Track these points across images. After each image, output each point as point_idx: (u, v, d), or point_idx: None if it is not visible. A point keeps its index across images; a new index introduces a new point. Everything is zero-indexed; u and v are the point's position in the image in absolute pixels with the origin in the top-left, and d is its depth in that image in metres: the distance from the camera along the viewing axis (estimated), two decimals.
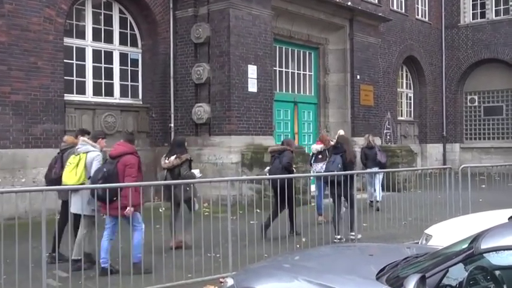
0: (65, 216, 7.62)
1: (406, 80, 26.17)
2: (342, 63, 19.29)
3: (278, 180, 8.57)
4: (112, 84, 15.21)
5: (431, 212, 9.98)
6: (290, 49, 18.42)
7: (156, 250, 7.02)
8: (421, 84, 26.37)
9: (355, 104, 19.24)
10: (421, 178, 15.34)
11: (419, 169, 14.46)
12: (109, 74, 15.14)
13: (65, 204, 7.38)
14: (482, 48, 26.26)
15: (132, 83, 15.71)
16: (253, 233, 8.29)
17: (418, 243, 7.18)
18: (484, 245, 3.57)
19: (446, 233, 6.35)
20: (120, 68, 15.37)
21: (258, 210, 10.95)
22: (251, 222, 9.00)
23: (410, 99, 26.38)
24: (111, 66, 15.19)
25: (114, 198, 6.83)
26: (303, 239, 8.90)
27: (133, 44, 15.76)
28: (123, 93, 15.48)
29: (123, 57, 15.50)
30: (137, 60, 15.84)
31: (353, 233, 9.16)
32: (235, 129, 14.80)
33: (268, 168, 10.34)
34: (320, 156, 11.96)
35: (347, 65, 19.23)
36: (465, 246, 3.80)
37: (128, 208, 7.02)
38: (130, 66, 15.67)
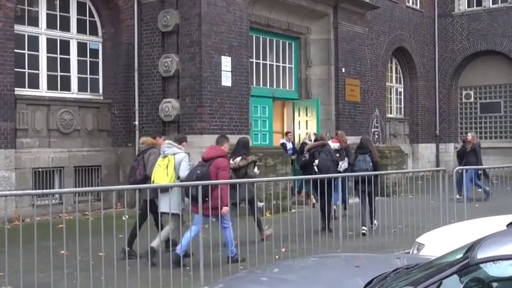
0: (145, 214, 8.69)
1: (396, 73, 26.38)
2: (326, 54, 19.37)
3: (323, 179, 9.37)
4: (69, 77, 15.07)
5: (423, 219, 10.07)
6: (268, 39, 18.44)
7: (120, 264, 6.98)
8: (412, 78, 26.61)
9: (340, 99, 19.34)
10: (412, 181, 15.43)
11: (410, 172, 14.58)
12: (65, 65, 15.00)
13: (148, 203, 8.31)
14: (479, 39, 26.58)
15: (91, 76, 15.59)
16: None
17: (409, 253, 7.23)
18: (481, 254, 3.61)
19: (439, 242, 6.41)
20: (78, 59, 15.24)
21: (234, 218, 10.94)
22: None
23: (400, 95, 26.60)
24: (67, 57, 15.06)
25: (206, 199, 7.83)
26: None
27: (93, 32, 15.64)
28: (82, 87, 15.35)
29: (82, 47, 15.37)
30: (97, 50, 15.72)
31: (375, 222, 11.05)
32: (207, 127, 14.77)
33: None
34: (338, 155, 12.70)
35: (331, 56, 19.32)
36: (460, 256, 3.83)
37: (224, 208, 8.19)
38: (90, 57, 15.55)
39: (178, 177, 8.96)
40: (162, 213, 8.13)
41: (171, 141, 9.31)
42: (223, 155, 9.04)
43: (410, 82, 26.65)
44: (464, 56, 27.08)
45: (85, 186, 14.42)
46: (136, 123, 15.55)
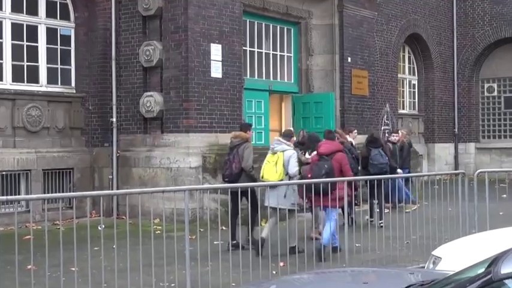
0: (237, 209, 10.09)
1: (409, 63, 26.41)
2: (329, 42, 19.38)
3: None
4: (37, 67, 15.04)
5: (440, 229, 10.08)
6: (264, 24, 18.44)
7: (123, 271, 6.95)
8: (427, 69, 26.64)
9: (346, 93, 19.36)
10: (427, 186, 15.43)
11: (425, 175, 14.56)
12: (33, 54, 14.97)
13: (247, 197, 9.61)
14: (503, 24, 26.64)
15: (62, 66, 15.56)
16: (217, 256, 8.28)
17: (424, 267, 7.24)
18: (505, 269, 3.61)
19: (458, 255, 6.42)
20: (47, 47, 15.21)
21: (224, 228, 10.93)
22: (215, 242, 8.97)
23: (414, 88, 26.63)
24: (35, 44, 15.03)
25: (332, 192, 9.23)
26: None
27: (64, 16, 15.62)
28: (52, 79, 15.32)
29: (51, 33, 15.34)
30: (69, 37, 15.70)
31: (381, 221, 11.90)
32: (194, 124, 14.76)
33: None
34: None
35: (335, 44, 19.33)
36: (482, 270, 3.84)
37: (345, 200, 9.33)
38: (61, 45, 15.53)
39: (286, 174, 10.51)
40: (267, 207, 9.79)
41: (280, 138, 10.99)
42: (341, 149, 10.93)
43: (426, 73, 26.68)
44: (487, 44, 27.12)
45: (55, 192, 14.40)
46: (114, 120, 15.53)
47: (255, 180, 11.04)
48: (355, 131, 16.01)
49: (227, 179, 11.22)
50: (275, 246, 8.48)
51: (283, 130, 18.55)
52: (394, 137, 16.42)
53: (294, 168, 10.56)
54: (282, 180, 10.45)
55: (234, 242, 10.22)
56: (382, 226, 11.47)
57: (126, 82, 15.65)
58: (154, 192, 8.64)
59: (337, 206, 9.52)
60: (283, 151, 10.63)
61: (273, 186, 9.84)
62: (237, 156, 11.16)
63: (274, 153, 10.70)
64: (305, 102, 19.33)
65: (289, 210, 9.99)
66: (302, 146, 12.64)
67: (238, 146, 11.26)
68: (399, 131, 17.28)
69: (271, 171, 10.59)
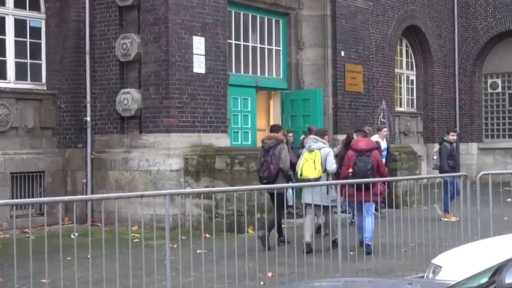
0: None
1: (407, 58, 26.50)
2: (321, 34, 19.40)
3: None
4: (4, 62, 14.98)
5: (441, 236, 10.11)
6: (251, 15, 18.44)
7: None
8: (426, 63, 26.74)
9: (339, 89, 19.39)
10: (426, 190, 15.49)
11: (424, 177, 14.62)
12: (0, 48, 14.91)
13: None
14: (507, 15, 26.77)
15: (32, 61, 15.51)
16: (200, 266, 8.27)
17: (423, 277, 7.26)
18: (510, 278, 3.63)
19: (460, 264, 6.44)
20: (15, 40, 15.15)
21: (208, 235, 10.93)
22: (198, 251, 8.96)
23: (412, 84, 26.72)
24: (2, 37, 14.97)
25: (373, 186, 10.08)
26: None
27: (34, 7, 15.56)
28: (20, 75, 15.26)
29: (20, 25, 15.28)
30: (39, 29, 15.64)
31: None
32: (175, 124, 14.75)
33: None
34: None
35: (327, 37, 19.35)
36: (485, 280, 3.85)
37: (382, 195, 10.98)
38: (30, 38, 15.47)
39: (324, 171, 11.63)
40: (306, 204, 10.62)
41: (315, 137, 12.05)
42: (376, 147, 12.35)
43: (424, 68, 26.78)
44: (490, 37, 27.25)
45: (24, 197, 14.33)
46: (88, 119, 15.49)
47: (290, 181, 12.11)
48: (385, 128, 16.24)
49: (265, 181, 12.13)
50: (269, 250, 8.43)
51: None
52: (452, 136, 16.56)
53: (333, 165, 11.75)
54: (320, 177, 11.58)
55: (282, 237, 11.27)
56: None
57: (101, 78, 15.61)
58: (132, 197, 8.62)
59: (377, 200, 10.57)
60: (319, 149, 11.76)
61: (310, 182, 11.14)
62: (274, 158, 12.15)
63: (311, 151, 11.74)
64: (293, 100, 19.35)
65: (327, 206, 10.95)
66: None
67: (273, 147, 12.25)
68: (454, 132, 17.51)
69: (310, 168, 11.59)
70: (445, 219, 11.71)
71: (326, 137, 12.52)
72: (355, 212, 11.70)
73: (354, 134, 13.36)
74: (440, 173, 14.05)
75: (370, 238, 11.05)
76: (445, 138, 16.55)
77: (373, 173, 11.52)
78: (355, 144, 12.10)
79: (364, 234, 10.75)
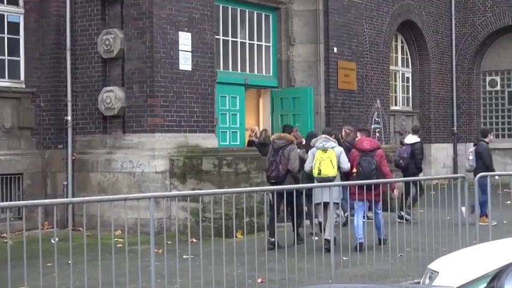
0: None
1: (402, 54, 26.55)
2: (313, 30, 19.43)
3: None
4: None
5: (438, 240, 10.13)
6: (239, 10, 18.44)
7: None
8: (422, 60, 26.80)
9: (331, 87, 19.42)
10: (423, 192, 15.58)
11: (420, 179, 14.65)
12: None
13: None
14: (507, 10, 26.84)
15: (10, 58, 15.46)
16: (186, 272, 8.26)
17: (419, 283, 7.27)
18: (509, 284, 3.65)
19: (457, 269, 6.46)
20: None
21: (194, 240, 10.92)
22: (184, 256, 8.96)
23: (407, 82, 26.78)
24: None
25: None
26: None
27: (12, 1, 15.51)
28: None
29: None
30: (18, 24, 15.59)
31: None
32: (160, 123, 14.74)
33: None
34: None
35: (319, 33, 19.38)
36: (483, 286, 3.87)
37: (395, 190, 12.06)
38: (8, 33, 15.43)
39: (338, 168, 12.39)
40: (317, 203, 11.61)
41: (327, 136, 12.74)
42: (379, 146, 13.23)
43: (421, 65, 26.84)
44: (489, 32, 27.33)
45: (2, 201, 14.29)
46: (69, 118, 15.45)
47: (298, 182, 12.63)
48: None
49: (273, 181, 12.70)
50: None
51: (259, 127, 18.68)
52: (491, 137, 16.55)
53: (347, 163, 12.51)
54: (336, 175, 12.40)
55: (273, 239, 11.60)
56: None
57: (82, 75, 15.58)
58: (115, 200, 8.59)
59: (380, 199, 11.79)
60: (332, 148, 12.47)
61: (328, 182, 11.65)
62: (283, 158, 12.69)
63: (325, 150, 12.40)
64: (283, 98, 19.37)
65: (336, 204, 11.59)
66: (264, 146, 15.13)
67: (283, 147, 12.78)
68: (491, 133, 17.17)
69: (329, 167, 12.29)
70: (482, 224, 11.80)
71: (333, 135, 13.34)
72: (354, 211, 12.30)
73: (358, 133, 14.40)
74: (475, 175, 13.96)
75: (383, 233, 11.85)
76: (482, 138, 16.49)
77: (377, 173, 12.42)
78: (359, 144, 12.91)
79: (380, 231, 11.94)
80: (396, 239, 9.94)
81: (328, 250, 9.75)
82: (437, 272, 6.62)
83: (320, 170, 12.35)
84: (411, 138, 16.07)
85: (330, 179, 12.13)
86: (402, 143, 16.30)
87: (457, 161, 27.77)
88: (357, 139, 13.94)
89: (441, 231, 10.32)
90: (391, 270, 9.74)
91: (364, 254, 10.15)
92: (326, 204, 11.46)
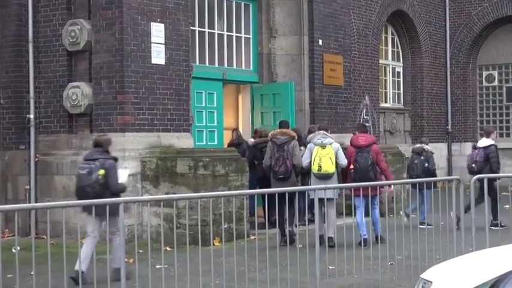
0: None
1: (393, 47, 26.62)
2: (296, 21, 19.43)
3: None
4: None
5: (431, 247, 10.18)
6: None
7: None
8: (414, 53, 26.89)
9: (316, 83, 19.43)
10: (415, 195, 15.63)
11: (412, 182, 14.71)
12: None
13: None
14: None
15: None
16: (160, 282, 8.25)
17: None
18: None
19: (452, 278, 6.49)
20: None
21: (168, 248, 10.91)
22: (157, 266, 8.94)
23: (398, 77, 26.85)
24: None
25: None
26: None
27: None
28: None
29: None
30: None
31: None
32: (131, 122, 14.70)
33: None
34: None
35: (303, 23, 19.38)
36: None
37: (392, 186, 13.73)
38: None
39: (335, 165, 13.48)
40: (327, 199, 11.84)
41: (324, 132, 13.82)
42: (376, 141, 14.48)
43: (412, 59, 26.93)
44: (485, 24, 27.45)
45: None
46: (32, 116, 15.39)
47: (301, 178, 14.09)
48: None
49: (282, 176, 13.67)
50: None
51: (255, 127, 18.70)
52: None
53: (345, 159, 13.64)
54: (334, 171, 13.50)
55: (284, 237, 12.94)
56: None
57: (46, 70, 15.52)
58: (80, 205, 8.58)
59: (378, 194, 12.52)
60: (330, 144, 13.56)
61: (327, 178, 13.23)
62: (289, 154, 13.78)
63: (323, 146, 13.48)
64: (263, 94, 19.36)
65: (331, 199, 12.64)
66: (237, 146, 16.25)
67: (287, 143, 13.86)
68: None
69: (329, 163, 13.39)
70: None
71: (328, 131, 14.21)
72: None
73: (357, 131, 15.33)
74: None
75: (379, 229, 13.27)
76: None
77: (374, 168, 13.60)
78: (354, 141, 13.99)
79: (376, 227, 12.93)
80: (386, 246, 9.97)
81: (332, 246, 10.59)
82: (431, 282, 6.64)
83: (320, 167, 13.39)
84: (484, 141, 16.05)
85: (330, 175, 13.36)
86: (475, 147, 16.30)
87: (452, 162, 27.89)
88: (353, 136, 14.95)
89: (435, 237, 10.37)
90: (381, 280, 9.78)
91: (352, 262, 10.17)
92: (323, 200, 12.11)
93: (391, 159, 18.65)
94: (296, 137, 14.24)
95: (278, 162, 13.81)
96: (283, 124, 15.11)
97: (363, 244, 11.60)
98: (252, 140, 16.54)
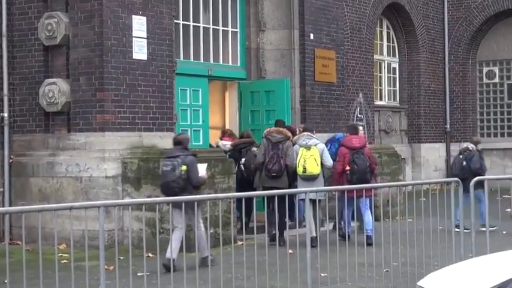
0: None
1: (388, 41, 26.66)
2: (286, 14, 19.43)
3: None
4: None
5: (428, 253, 10.20)
6: None
7: None
8: (411, 48, 26.93)
9: (308, 79, 19.44)
10: (411, 199, 15.62)
11: (409, 184, 14.74)
12: None
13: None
14: None
15: None
16: None
17: None
18: None
19: (450, 286, 6.51)
20: None
21: (151, 255, 10.90)
22: (139, 274, 8.94)
23: (394, 73, 26.90)
24: None
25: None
26: None
27: None
28: None
29: None
30: None
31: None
32: (111, 121, 14.68)
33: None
34: None
35: (294, 17, 19.38)
36: None
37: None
38: None
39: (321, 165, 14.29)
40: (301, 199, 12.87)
41: (309, 133, 14.60)
42: (365, 143, 15.24)
43: (409, 54, 26.97)
44: (486, 17, 27.52)
45: None
46: (5, 115, 15.35)
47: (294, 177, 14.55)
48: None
49: (275, 174, 14.35)
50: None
51: (226, 127, 18.68)
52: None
53: (330, 160, 14.51)
54: (320, 172, 14.25)
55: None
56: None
57: (21, 66, 15.48)
58: (59, 210, 8.56)
59: (372, 195, 13.78)
60: (315, 145, 14.30)
61: (312, 180, 14.05)
62: (282, 153, 14.43)
63: (307, 148, 14.20)
64: (254, 92, 19.34)
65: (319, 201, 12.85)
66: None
67: (282, 142, 14.52)
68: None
69: (313, 164, 14.12)
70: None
71: (314, 132, 15.13)
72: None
73: (347, 133, 15.76)
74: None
75: (371, 230, 13.74)
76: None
77: (370, 170, 14.58)
78: (348, 142, 14.80)
79: (365, 227, 13.05)
80: (381, 252, 9.99)
81: (314, 246, 10.61)
82: None
83: (305, 168, 14.13)
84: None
85: (315, 177, 14.14)
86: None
87: (450, 163, 27.88)
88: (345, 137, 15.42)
89: (432, 243, 10.39)
90: None
91: (345, 269, 10.19)
92: (312, 202, 12.91)
93: (387, 160, 18.68)
94: (291, 138, 14.78)
95: (272, 160, 14.42)
96: (279, 123, 15.71)
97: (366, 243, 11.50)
98: (224, 142, 16.89)
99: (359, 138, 15.09)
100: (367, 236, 12.42)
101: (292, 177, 14.54)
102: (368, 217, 14.08)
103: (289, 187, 14.24)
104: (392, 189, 15.28)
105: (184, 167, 12.15)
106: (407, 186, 14.92)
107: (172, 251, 11.23)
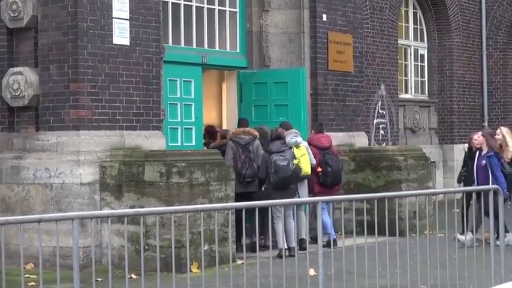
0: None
1: (415, 24, 26.68)
2: None
3: None
4: None
5: (463, 274, 10.20)
6: None
7: None
8: (442, 32, 26.95)
9: (320, 68, 19.46)
10: (442, 209, 15.68)
11: (439, 192, 14.73)
12: None
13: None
14: None
15: None
16: None
17: None
18: None
19: None
20: None
21: (134, 276, 10.92)
22: None
23: (422, 61, 26.92)
24: None
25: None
26: None
27: None
28: None
29: None
30: None
31: None
32: (87, 117, 14.71)
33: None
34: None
35: None
36: None
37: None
38: None
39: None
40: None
41: (295, 130, 15.79)
42: (331, 142, 16.51)
43: (439, 39, 26.99)
44: None
45: None
46: None
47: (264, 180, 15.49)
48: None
49: (249, 179, 15.33)
50: None
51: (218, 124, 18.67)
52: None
53: (314, 159, 15.66)
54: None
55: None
56: None
57: None
58: (25, 222, 8.57)
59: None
60: (301, 143, 15.52)
61: (302, 180, 15.37)
62: (253, 155, 15.44)
63: (297, 146, 15.32)
64: (259, 83, 19.30)
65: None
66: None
67: (251, 143, 15.54)
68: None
69: (307, 164, 15.35)
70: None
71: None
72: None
73: (313, 131, 17.18)
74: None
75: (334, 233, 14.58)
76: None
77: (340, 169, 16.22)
78: (316, 141, 16.15)
79: (330, 231, 13.77)
80: (408, 271, 9.98)
81: (303, 249, 11.69)
82: None
83: (301, 168, 15.16)
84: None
85: (308, 177, 15.52)
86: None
87: None
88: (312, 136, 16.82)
89: (467, 261, 10.39)
90: None
91: None
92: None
93: (413, 164, 18.61)
94: (258, 136, 15.79)
95: (245, 165, 15.41)
96: (243, 122, 16.84)
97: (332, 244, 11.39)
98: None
99: (327, 137, 16.37)
100: (334, 239, 13.28)
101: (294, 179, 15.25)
102: (328, 219, 14.69)
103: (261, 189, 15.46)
104: (420, 199, 15.33)
105: (295, 161, 14.72)
106: (438, 194, 14.89)
107: (284, 240, 14.05)
